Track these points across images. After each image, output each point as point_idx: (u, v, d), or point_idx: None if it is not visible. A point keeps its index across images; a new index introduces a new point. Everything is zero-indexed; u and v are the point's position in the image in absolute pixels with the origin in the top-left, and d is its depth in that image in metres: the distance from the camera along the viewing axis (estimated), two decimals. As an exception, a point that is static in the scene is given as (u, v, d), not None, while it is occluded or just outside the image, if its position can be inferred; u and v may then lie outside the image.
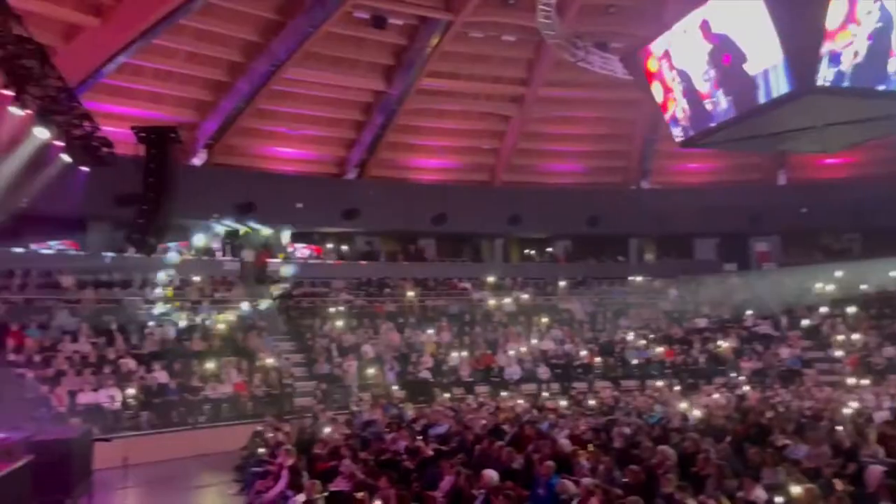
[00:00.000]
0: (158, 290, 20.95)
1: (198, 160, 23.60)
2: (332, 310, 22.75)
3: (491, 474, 8.66)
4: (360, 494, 9.46)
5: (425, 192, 26.90)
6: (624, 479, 8.74)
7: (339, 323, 22.00)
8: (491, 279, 26.43)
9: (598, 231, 27.88)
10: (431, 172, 28.15)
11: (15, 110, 12.47)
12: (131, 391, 16.42)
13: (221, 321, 20.36)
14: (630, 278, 27.77)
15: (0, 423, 13.84)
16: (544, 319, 24.18)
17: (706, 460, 9.08)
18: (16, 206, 15.80)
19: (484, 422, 13.36)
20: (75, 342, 17.67)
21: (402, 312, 23.91)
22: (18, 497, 10.20)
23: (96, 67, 19.30)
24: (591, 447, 10.62)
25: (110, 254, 21.49)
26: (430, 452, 10.97)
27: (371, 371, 19.92)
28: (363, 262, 26.94)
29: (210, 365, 18.31)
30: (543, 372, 21.41)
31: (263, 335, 20.65)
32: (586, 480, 8.40)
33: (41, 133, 13.60)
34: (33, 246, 20.92)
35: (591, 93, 26.17)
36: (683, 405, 15.09)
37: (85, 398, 15.89)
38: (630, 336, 23.43)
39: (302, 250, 26.48)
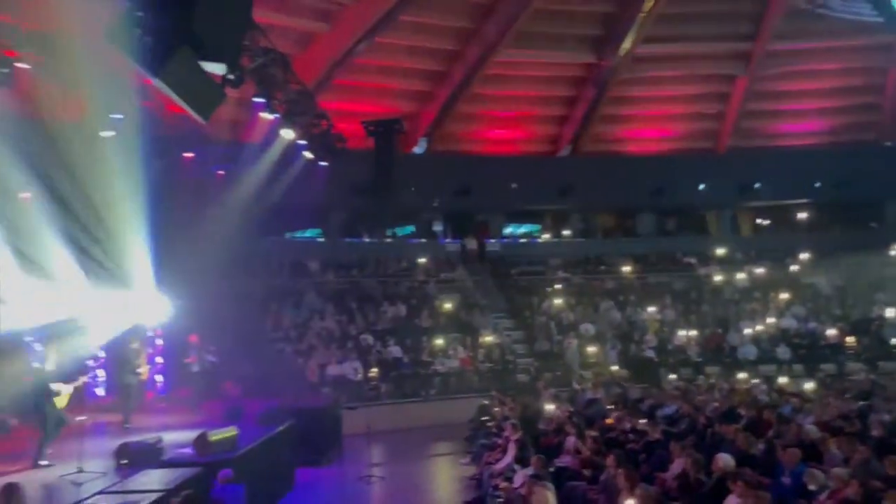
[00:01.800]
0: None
1: (419, 148, 24.89)
2: (549, 288, 22.88)
3: (725, 458, 8.19)
4: (586, 471, 9.48)
5: (643, 165, 25.83)
6: (886, 471, 7.77)
7: (558, 301, 22.04)
8: (720, 253, 24.76)
9: (846, 195, 24.80)
10: (648, 143, 26.97)
11: (265, 115, 14.09)
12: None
13: (447, 299, 21.39)
14: (888, 247, 24.37)
15: (266, 391, 15.92)
16: (783, 295, 22.18)
17: None
18: (270, 201, 17.88)
19: (716, 404, 12.66)
20: (322, 320, 19.66)
21: (622, 290, 23.33)
22: (283, 455, 11.66)
23: (329, 69, 21.11)
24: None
25: (348, 239, 23.56)
26: (658, 434, 10.62)
27: (591, 349, 19.73)
28: (579, 240, 26.64)
29: (438, 341, 19.38)
30: (783, 352, 19.69)
31: (485, 313, 21.39)
32: (838, 470, 7.62)
33: (287, 134, 15.21)
34: (285, 234, 23.53)
35: (832, 41, 23.32)
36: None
37: (332, 370, 17.67)
38: (889, 312, 20.64)
39: (518, 230, 26.88)
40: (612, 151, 26.69)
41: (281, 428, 11.75)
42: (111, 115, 12.76)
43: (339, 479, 9.45)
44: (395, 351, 18.82)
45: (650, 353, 19.83)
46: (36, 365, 10.92)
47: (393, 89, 23.85)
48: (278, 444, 11.42)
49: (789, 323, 20.94)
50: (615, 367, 19.15)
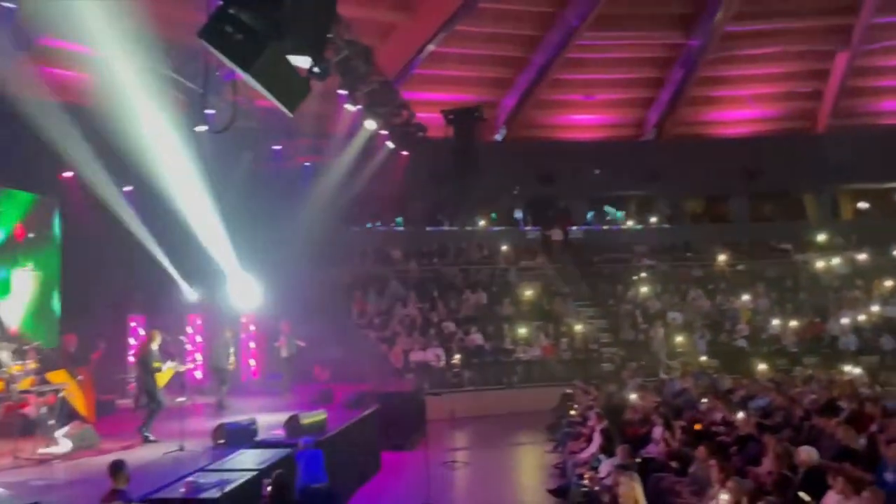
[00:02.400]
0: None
1: (499, 136, 24.79)
2: (634, 276, 22.38)
3: (809, 451, 7.79)
4: (673, 463, 9.25)
5: (733, 147, 24.80)
6: None
7: (644, 289, 21.55)
8: (818, 238, 23.55)
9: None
10: (739, 125, 25.88)
11: (349, 107, 14.37)
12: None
13: (528, 287, 21.28)
14: None
15: (352, 376, 16.34)
16: (887, 282, 20.90)
17: None
18: (353, 191, 18.26)
19: (814, 396, 12.08)
20: (405, 307, 19.96)
21: (712, 277, 22.56)
22: (369, 438, 11.95)
23: (409, 60, 21.29)
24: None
25: (429, 228, 23.77)
26: (751, 427, 10.24)
27: (679, 338, 19.21)
28: (666, 226, 25.89)
29: (520, 329, 19.33)
30: (887, 342, 18.58)
31: (568, 301, 21.16)
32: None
33: (370, 125, 15.47)
34: (368, 224, 23.98)
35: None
36: None
37: (415, 357, 17.93)
38: None
39: (601, 217, 26.37)
40: (701, 134, 25.76)
41: (367, 412, 12.05)
42: (205, 111, 13.30)
43: (423, 464, 9.60)
44: (476, 338, 18.90)
45: (742, 343, 19.12)
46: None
47: (473, 77, 23.83)
48: (365, 428, 11.72)
49: (894, 311, 19.71)
50: (704, 357, 18.59)
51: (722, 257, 23.15)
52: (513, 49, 23.42)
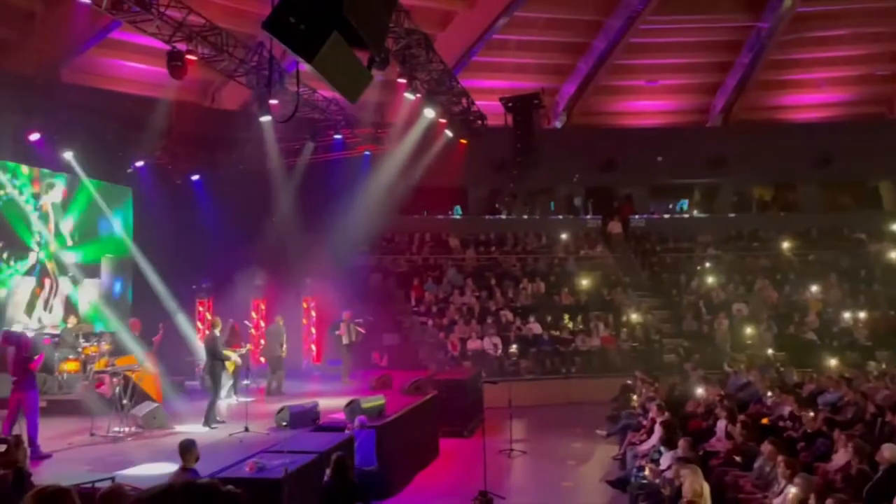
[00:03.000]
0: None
1: (559, 123, 24.49)
2: (698, 266, 21.84)
3: (892, 448, 7.48)
4: (737, 457, 9.04)
5: (804, 133, 23.83)
6: None
7: (708, 279, 21.02)
8: (894, 228, 22.49)
9: None
10: (810, 110, 24.85)
11: (408, 95, 14.43)
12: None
13: (587, 277, 21.03)
14: None
15: (409, 363, 16.51)
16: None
17: None
18: (413, 180, 18.36)
19: (887, 392, 11.59)
20: (462, 295, 20.01)
21: (780, 267, 21.82)
22: (428, 424, 12.06)
23: (468, 47, 21.21)
24: None
25: (487, 216, 23.73)
26: (820, 422, 9.90)
27: (745, 330, 18.68)
28: (732, 215, 25.13)
29: (578, 319, 19.13)
30: (970, 338, 17.65)
31: (628, 291, 20.82)
32: None
33: (429, 113, 15.50)
34: (426, 212, 24.10)
35: None
36: None
37: (473, 345, 17.97)
38: None
39: (663, 205, 25.80)
40: (770, 119, 24.86)
41: (426, 398, 12.15)
42: (269, 101, 13.58)
43: (480, 451, 9.64)
44: (534, 328, 18.81)
45: (811, 336, 18.46)
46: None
47: (532, 64, 23.55)
48: (423, 414, 11.83)
49: (980, 306, 18.71)
50: (770, 350, 18.04)
51: (790, 246, 22.35)
52: (573, 34, 23.04)
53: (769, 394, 12.28)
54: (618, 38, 22.57)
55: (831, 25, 22.81)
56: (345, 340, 15.49)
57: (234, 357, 12.41)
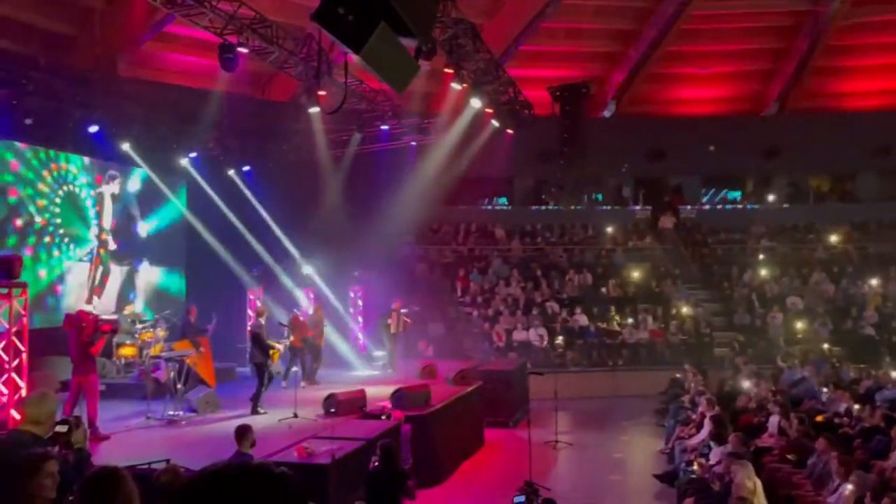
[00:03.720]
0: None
1: (607, 112, 24.12)
2: (751, 258, 21.32)
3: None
4: (790, 454, 8.82)
5: (863, 121, 22.94)
6: None
7: (761, 272, 20.49)
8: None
9: None
10: (871, 97, 23.88)
11: (455, 85, 14.40)
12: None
13: (635, 268, 20.74)
14: None
15: (455, 353, 16.56)
16: None
17: None
18: (459, 169, 18.36)
19: (951, 390, 11.14)
20: (508, 286, 19.96)
21: (836, 260, 21.13)
22: (473, 414, 12.10)
23: (516, 36, 21.02)
24: None
25: (534, 207, 23.58)
26: (878, 419, 9.59)
27: (799, 324, 18.17)
28: (786, 205, 24.42)
29: (626, 311, 18.89)
30: None
31: (678, 283, 20.46)
32: None
33: (475, 103, 15.43)
34: (473, 203, 24.06)
35: None
36: None
37: (518, 336, 17.93)
38: None
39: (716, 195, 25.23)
40: (828, 107, 23.99)
41: (471, 388, 12.18)
42: (318, 93, 13.73)
43: (525, 442, 9.63)
44: (580, 319, 18.65)
45: (870, 331, 17.86)
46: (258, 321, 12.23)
47: (580, 52, 23.22)
48: (469, 404, 11.87)
49: None
50: (826, 345, 17.52)
51: (848, 238, 21.61)
52: (623, 22, 22.62)
53: (824, 390, 11.94)
54: (669, 25, 22.08)
55: (893, 9, 21.86)
56: (392, 330, 15.61)
57: (277, 346, 12.63)
